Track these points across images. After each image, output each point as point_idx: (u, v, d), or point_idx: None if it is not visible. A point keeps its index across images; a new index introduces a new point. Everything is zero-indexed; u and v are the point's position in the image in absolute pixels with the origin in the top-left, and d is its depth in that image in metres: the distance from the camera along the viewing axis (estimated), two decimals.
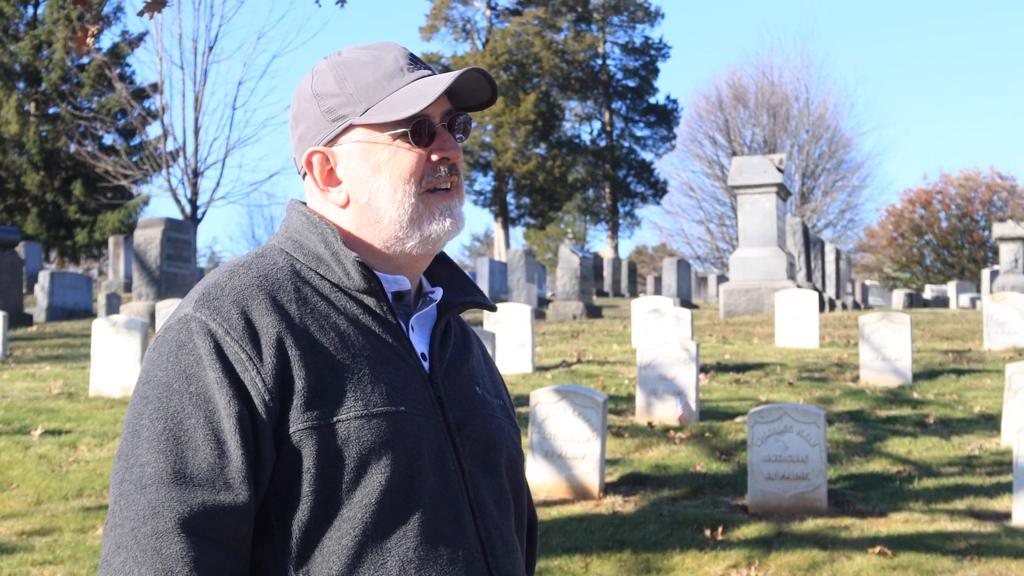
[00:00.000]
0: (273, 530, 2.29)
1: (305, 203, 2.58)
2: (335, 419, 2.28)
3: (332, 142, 2.49)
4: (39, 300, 30.71)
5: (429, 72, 2.50)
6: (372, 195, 2.46)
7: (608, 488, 11.32)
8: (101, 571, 2.23)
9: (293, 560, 2.26)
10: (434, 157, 2.45)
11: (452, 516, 2.36)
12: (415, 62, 2.51)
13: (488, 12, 68.60)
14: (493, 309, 2.70)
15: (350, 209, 2.49)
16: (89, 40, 8.97)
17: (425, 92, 2.41)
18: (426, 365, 2.49)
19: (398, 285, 2.50)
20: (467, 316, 26.65)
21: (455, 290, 2.64)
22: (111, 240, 40.06)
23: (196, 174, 37.81)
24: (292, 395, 2.29)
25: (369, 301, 2.45)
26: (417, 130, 2.43)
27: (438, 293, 2.58)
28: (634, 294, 46.70)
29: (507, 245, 65.33)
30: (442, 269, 2.66)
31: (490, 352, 13.78)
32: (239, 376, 2.28)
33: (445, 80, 2.41)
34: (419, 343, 2.51)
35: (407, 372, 2.42)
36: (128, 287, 35.76)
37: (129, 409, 2.34)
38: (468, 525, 2.38)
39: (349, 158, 2.47)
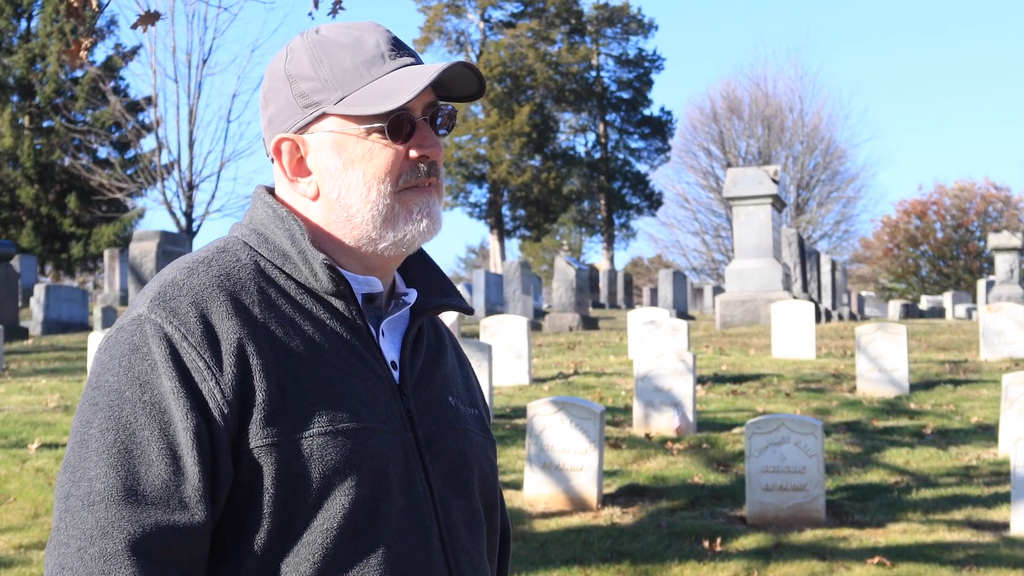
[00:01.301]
0: (227, 552, 2.15)
1: (272, 191, 2.41)
2: (297, 435, 2.13)
3: (303, 129, 2.30)
4: (35, 313, 30.66)
5: (412, 60, 2.31)
6: (343, 191, 2.27)
7: (606, 499, 11.30)
8: None
9: None
10: (413, 154, 2.28)
11: (419, 542, 2.22)
12: (398, 47, 2.31)
13: (482, 24, 68.76)
14: (470, 312, 2.52)
15: (319, 203, 2.31)
16: (83, 53, 8.97)
17: (406, 85, 2.23)
18: (396, 375, 2.32)
19: (369, 287, 2.33)
20: (465, 328, 26.64)
21: (430, 290, 2.45)
22: (106, 253, 40.02)
23: (191, 187, 37.79)
24: (252, 408, 2.13)
25: (337, 304, 2.27)
26: (395, 126, 2.25)
27: (412, 295, 2.40)
28: (630, 306, 46.68)
29: (503, 257, 65.38)
30: (418, 266, 2.48)
31: (486, 364, 13.87)
32: (197, 386, 2.11)
33: (428, 73, 2.23)
34: (389, 350, 2.34)
35: (375, 383, 2.25)
36: (124, 300, 35.73)
37: (77, 414, 2.18)
38: (436, 552, 2.25)
39: (320, 149, 2.29)
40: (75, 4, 8.85)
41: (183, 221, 37.55)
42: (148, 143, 45.15)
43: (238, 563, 2.14)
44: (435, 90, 2.32)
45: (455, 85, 2.32)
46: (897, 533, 10.33)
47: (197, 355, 2.12)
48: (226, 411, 2.12)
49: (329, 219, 2.31)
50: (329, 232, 2.32)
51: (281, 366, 2.16)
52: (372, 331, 2.32)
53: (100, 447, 2.09)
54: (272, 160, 2.37)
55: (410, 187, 2.29)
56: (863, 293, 56.17)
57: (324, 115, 2.28)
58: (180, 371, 2.12)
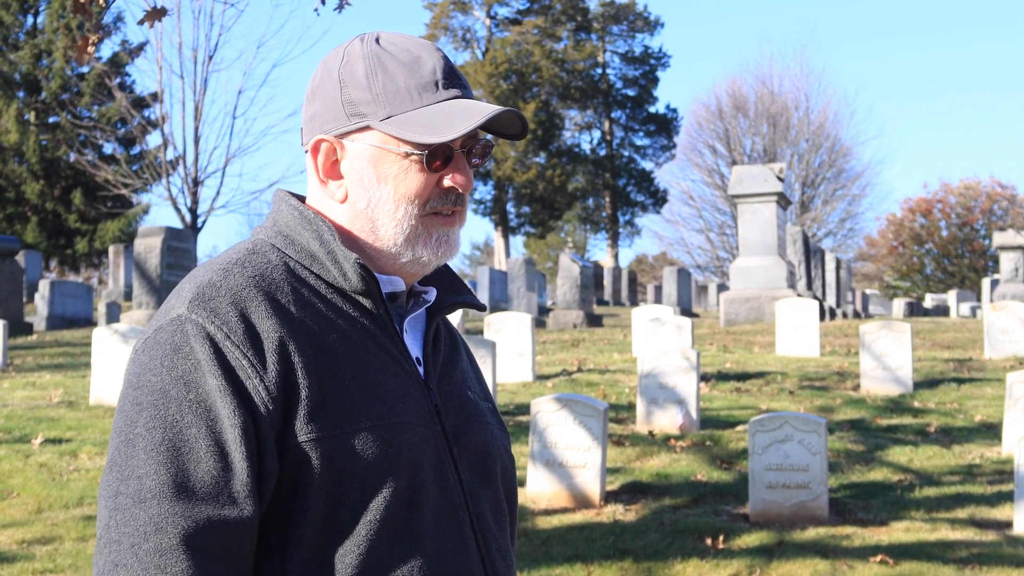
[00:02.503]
0: (272, 546, 2.19)
1: (293, 194, 2.45)
2: (339, 430, 2.17)
3: (344, 135, 2.34)
4: (39, 309, 30.71)
5: (462, 93, 2.35)
6: (372, 203, 2.33)
7: (609, 497, 11.31)
8: None
9: None
10: (446, 183, 2.34)
11: (454, 532, 2.28)
12: (451, 77, 2.35)
13: (488, 21, 68.73)
14: (483, 309, 2.54)
15: (346, 207, 2.37)
16: (89, 49, 8.97)
17: (455, 122, 2.28)
18: (421, 370, 2.39)
19: (392, 286, 2.39)
20: (469, 324, 26.65)
21: (445, 290, 2.53)
22: (111, 249, 40.06)
23: (196, 183, 37.80)
24: (296, 404, 2.16)
25: (366, 302, 2.33)
26: (434, 155, 2.31)
27: (432, 294, 2.48)
28: (634, 303, 46.68)
29: (507, 254, 65.37)
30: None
31: (490, 361, 13.90)
32: (242, 383, 2.14)
33: (478, 115, 2.28)
34: (413, 347, 2.41)
35: (405, 379, 2.31)
36: (128, 296, 35.75)
37: (118, 415, 2.21)
38: (469, 540, 2.30)
39: (358, 158, 2.33)
40: (82, 0, 8.86)
41: (188, 217, 37.56)
42: (154, 139, 45.26)
43: (284, 556, 2.18)
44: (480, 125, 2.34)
45: (499, 123, 2.38)
46: (900, 531, 10.32)
47: (240, 354, 2.16)
48: (271, 408, 2.16)
49: (353, 224, 2.37)
50: (352, 235, 2.37)
51: (320, 363, 2.21)
52: (398, 328, 2.38)
53: (148, 445, 2.12)
54: (307, 153, 2.41)
55: (435, 212, 2.35)
56: (867, 291, 56.15)
57: (368, 128, 2.32)
58: (225, 369, 2.15)
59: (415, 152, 2.29)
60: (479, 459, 2.41)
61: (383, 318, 2.35)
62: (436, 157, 2.31)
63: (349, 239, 2.37)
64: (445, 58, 2.36)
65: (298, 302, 2.26)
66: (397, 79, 2.31)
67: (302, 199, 2.46)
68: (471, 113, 2.29)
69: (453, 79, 2.35)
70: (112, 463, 2.17)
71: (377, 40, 2.36)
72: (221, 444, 2.13)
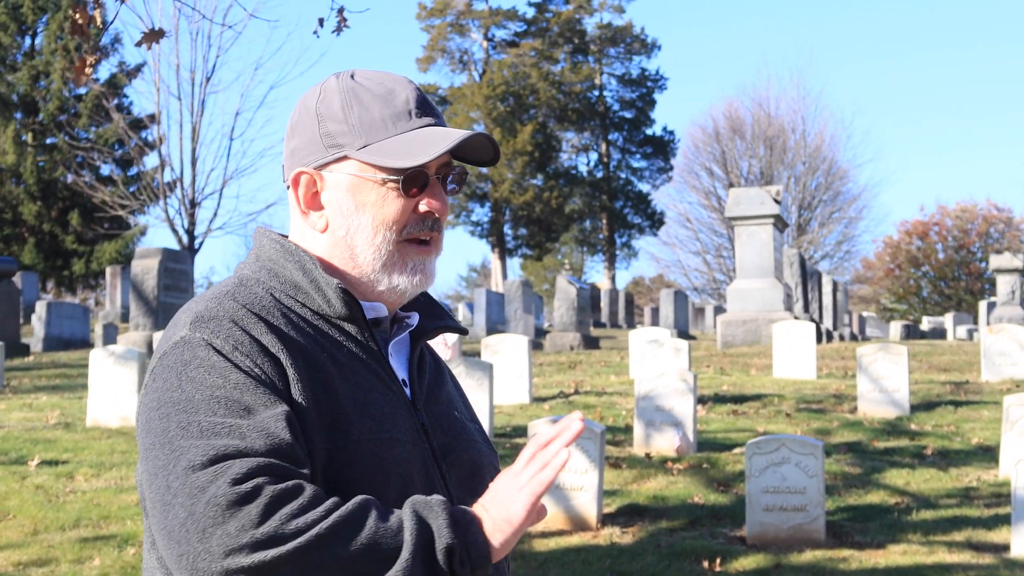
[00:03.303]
0: None
1: (272, 230, 2.53)
2: (333, 444, 2.23)
3: (323, 167, 2.43)
4: (36, 330, 30.70)
5: (436, 121, 2.44)
6: (351, 231, 2.41)
7: (606, 519, 11.30)
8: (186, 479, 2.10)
9: None
10: (422, 208, 2.42)
11: None
12: (424, 107, 2.44)
13: (485, 44, 68.86)
14: (464, 332, 2.66)
15: (326, 237, 2.45)
16: (87, 70, 9.00)
17: (428, 147, 2.36)
18: (407, 391, 2.46)
19: (375, 312, 2.46)
20: (466, 347, 26.65)
21: (426, 315, 2.60)
22: (108, 270, 40.09)
23: (193, 204, 37.84)
24: (296, 416, 2.22)
25: (350, 328, 2.40)
26: (410, 180, 2.39)
27: (414, 319, 2.55)
28: (631, 325, 46.67)
29: (504, 276, 65.35)
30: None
31: (487, 383, 13.91)
32: (263, 382, 2.21)
33: (449, 140, 2.37)
34: (399, 369, 2.48)
35: (393, 399, 2.38)
36: (125, 317, 35.74)
37: (145, 436, 2.22)
38: None
39: (337, 188, 2.42)
40: (80, 22, 8.88)
41: (185, 239, 37.60)
42: (151, 160, 45.29)
43: None
44: (452, 152, 2.45)
45: (471, 150, 2.47)
46: (897, 554, 10.31)
47: (252, 363, 2.23)
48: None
49: (333, 253, 2.45)
50: (335, 265, 2.45)
51: (314, 379, 2.28)
52: (383, 351, 2.45)
53: (186, 437, 2.14)
54: (288, 188, 2.50)
55: (412, 239, 2.43)
56: (864, 314, 56.19)
57: (345, 158, 2.41)
58: (240, 370, 2.21)
59: (391, 179, 2.37)
60: (467, 475, 2.47)
61: (368, 342, 2.41)
62: (412, 183, 2.39)
63: (330, 268, 2.44)
64: (418, 89, 2.46)
65: (289, 325, 2.33)
66: (372, 110, 2.40)
67: (283, 236, 2.52)
68: (443, 138, 2.38)
69: (426, 108, 2.44)
70: (154, 470, 2.17)
71: (352, 76, 2.46)
72: (260, 418, 2.16)
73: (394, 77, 2.47)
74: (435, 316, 2.61)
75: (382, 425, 2.30)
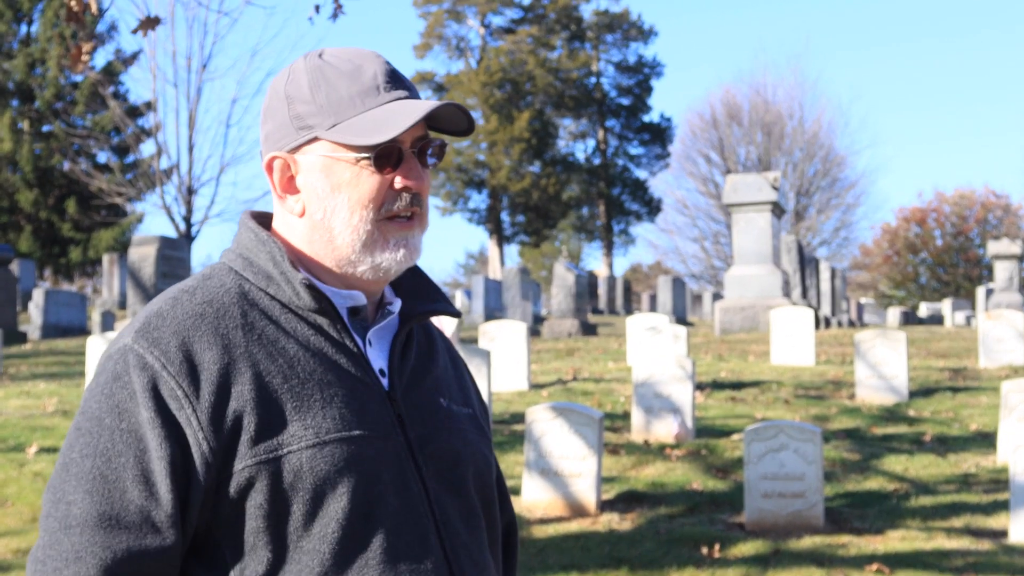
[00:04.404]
0: (228, 565, 2.23)
1: (257, 214, 2.51)
2: (285, 451, 2.20)
3: (296, 149, 2.38)
4: (33, 318, 30.70)
5: (407, 94, 2.39)
6: (328, 213, 2.36)
7: (604, 506, 11.30)
8: None
9: None
10: (397, 184, 2.36)
11: (416, 539, 2.29)
12: (393, 80, 2.39)
13: (482, 30, 68.82)
14: (457, 315, 2.57)
15: (304, 221, 2.40)
16: (83, 58, 8.97)
17: (397, 120, 2.31)
18: (385, 382, 2.40)
19: (353, 300, 2.41)
20: (464, 334, 26.64)
21: (419, 297, 2.55)
22: (105, 258, 40.05)
23: (190, 192, 37.81)
24: (237, 431, 2.20)
25: (321, 320, 2.36)
26: (382, 156, 2.33)
27: (396, 305, 2.49)
28: (629, 312, 46.64)
29: (502, 263, 65.38)
30: (405, 274, 2.56)
31: (485, 370, 13.86)
32: (173, 414, 2.19)
33: (418, 111, 2.31)
34: (377, 358, 2.43)
35: (363, 392, 2.33)
36: (122, 305, 35.76)
37: (66, 437, 2.28)
38: (434, 546, 2.32)
39: (311, 170, 2.37)
40: (75, 9, 8.86)
41: (182, 226, 37.58)
42: (148, 148, 45.23)
43: (241, 573, 2.21)
44: (427, 123, 2.41)
45: (446, 121, 2.41)
46: (896, 540, 10.31)
47: (176, 384, 2.20)
48: (202, 437, 2.19)
49: (312, 237, 2.40)
50: (312, 250, 2.41)
51: (264, 387, 2.24)
52: (359, 342, 2.40)
53: (79, 472, 2.20)
54: (267, 174, 2.45)
55: (392, 216, 2.37)
56: (862, 300, 56.17)
57: (316, 139, 2.36)
58: (156, 401, 2.20)
59: (364, 156, 2.33)
60: (447, 467, 2.41)
61: (340, 334, 2.37)
62: (386, 160, 2.34)
63: (306, 256, 2.41)
64: (387, 63, 2.41)
65: (245, 327, 2.30)
66: (339, 88, 2.35)
67: (269, 218, 2.51)
68: (412, 110, 2.32)
69: (396, 82, 2.39)
70: (50, 484, 2.24)
71: (320, 55, 2.41)
72: (147, 475, 2.18)
73: (362, 53, 2.42)
74: (427, 298, 2.56)
75: (345, 423, 2.26)
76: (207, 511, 2.21)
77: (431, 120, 2.40)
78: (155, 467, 2.17)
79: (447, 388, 2.55)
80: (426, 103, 2.33)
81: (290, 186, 2.41)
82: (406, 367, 2.47)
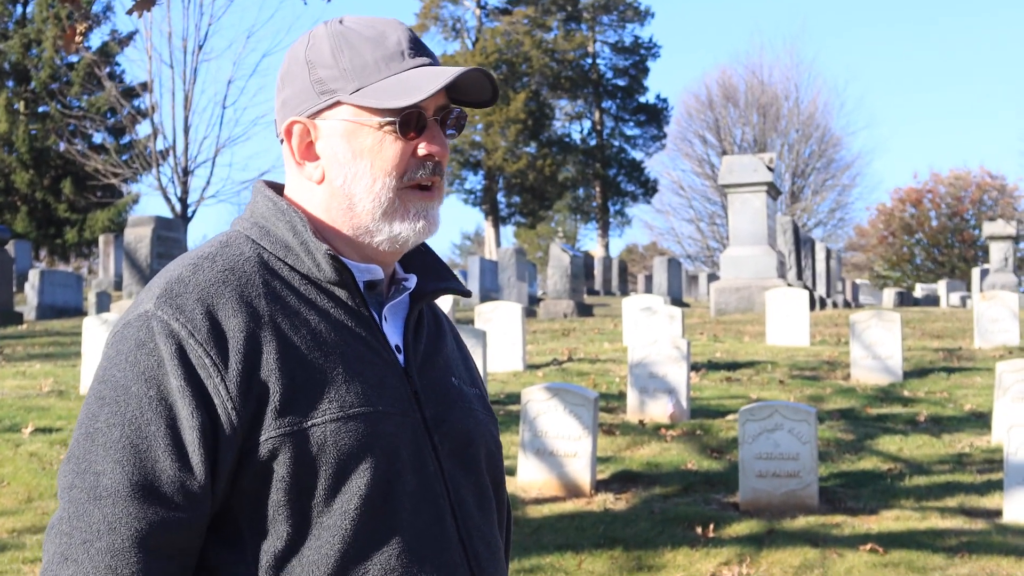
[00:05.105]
0: (245, 541, 2.18)
1: (271, 184, 2.46)
2: (310, 423, 2.16)
3: (316, 115, 2.34)
4: (29, 298, 30.68)
5: (429, 61, 2.35)
6: (349, 179, 2.31)
7: (600, 486, 11.32)
8: None
9: (269, 571, 2.16)
10: (421, 152, 2.32)
11: (433, 519, 2.27)
12: (417, 47, 2.35)
13: (478, 11, 68.70)
14: (468, 295, 2.54)
15: (323, 188, 2.35)
16: (78, 38, 8.95)
17: (422, 85, 2.26)
18: (401, 358, 2.36)
19: (370, 274, 2.37)
20: (460, 314, 26.65)
21: (429, 276, 2.50)
22: (101, 239, 40.01)
23: (186, 173, 37.77)
24: (263, 401, 2.16)
25: (340, 293, 2.31)
26: (407, 122, 2.29)
27: (412, 281, 2.45)
28: (625, 293, 46.66)
29: (498, 244, 65.38)
30: (415, 252, 2.52)
31: (480, 351, 13.89)
32: (203, 383, 2.15)
33: (445, 76, 2.27)
34: (392, 334, 2.39)
35: (382, 368, 2.30)
36: (118, 286, 35.70)
37: (84, 407, 2.21)
38: (450, 528, 2.29)
39: (331, 135, 2.32)
40: None
41: (178, 207, 37.56)
42: (143, 129, 45.20)
43: (257, 548, 2.18)
44: (449, 93, 2.36)
45: (470, 90, 2.36)
46: (890, 520, 10.34)
47: (203, 352, 2.15)
48: (230, 407, 2.15)
49: (331, 205, 2.35)
50: (330, 218, 2.36)
51: (289, 357, 2.20)
52: (375, 317, 2.36)
53: (107, 441, 2.13)
54: (282, 141, 2.41)
55: (413, 186, 2.32)
56: (858, 281, 56.19)
57: (339, 103, 2.31)
58: (186, 368, 2.15)
59: (388, 121, 2.29)
60: (461, 446, 2.39)
61: (359, 308, 2.33)
62: (409, 127, 2.30)
63: (325, 225, 2.36)
64: (410, 31, 2.37)
65: (268, 295, 2.25)
66: (363, 53, 2.31)
67: (282, 187, 2.45)
68: (438, 75, 2.28)
69: (419, 49, 2.35)
70: (71, 455, 2.18)
71: (341, 21, 2.37)
72: (179, 444, 2.14)
73: (384, 20, 2.39)
74: (438, 277, 2.52)
75: (367, 398, 2.23)
76: (228, 483, 2.18)
77: (453, 90, 2.35)
78: (187, 436, 2.13)
79: (456, 367, 2.53)
80: (452, 68, 2.29)
81: (309, 152, 2.36)
82: (419, 345, 2.44)
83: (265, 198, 2.39)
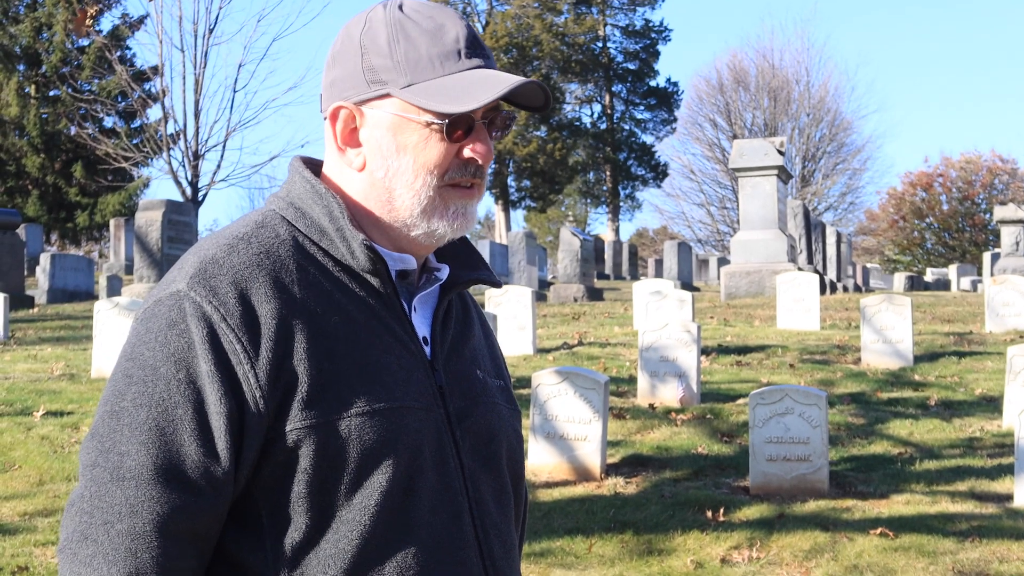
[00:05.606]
0: (264, 531, 2.17)
1: (308, 161, 2.43)
2: (335, 417, 2.14)
3: (364, 102, 2.29)
4: (40, 282, 30.74)
5: (483, 62, 2.30)
6: (390, 173, 2.28)
7: (610, 470, 11.33)
8: (61, 556, 2.12)
9: (286, 563, 2.14)
10: (465, 154, 2.28)
11: (451, 517, 2.25)
12: (474, 46, 2.30)
13: None
14: (498, 285, 2.53)
15: (363, 176, 2.31)
16: (88, 22, 8.97)
17: (477, 92, 2.23)
18: (427, 350, 2.34)
19: (403, 263, 2.34)
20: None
21: (460, 265, 2.48)
22: (112, 222, 40.06)
23: (197, 156, 37.71)
24: (291, 391, 2.14)
25: (373, 281, 2.28)
26: (455, 124, 2.25)
27: (444, 271, 2.42)
28: (635, 277, 46.67)
29: (508, 228, 65.34)
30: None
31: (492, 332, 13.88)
32: (233, 369, 2.12)
33: (499, 86, 2.23)
34: (421, 325, 2.36)
35: (409, 360, 2.27)
36: (129, 269, 35.75)
37: (110, 384, 2.19)
38: (467, 526, 2.28)
39: (377, 126, 2.28)
40: None
41: (188, 191, 37.51)
42: (154, 113, 45.08)
43: (277, 539, 2.16)
44: (500, 96, 2.30)
45: (521, 95, 2.32)
46: (900, 504, 10.34)
47: (235, 337, 2.13)
48: (258, 395, 2.13)
49: (369, 194, 2.32)
50: (367, 207, 2.33)
51: (319, 347, 2.18)
52: (405, 307, 2.34)
53: (132, 422, 2.12)
54: (325, 120, 2.36)
55: (453, 184, 2.30)
56: (868, 265, 56.17)
57: (388, 95, 2.27)
58: (217, 353, 2.13)
59: (436, 121, 2.25)
60: (483, 442, 2.38)
61: (390, 298, 2.31)
62: (457, 127, 2.26)
63: (362, 212, 2.33)
64: (469, 27, 2.32)
65: (302, 281, 2.22)
66: (419, 47, 2.27)
67: (319, 165, 2.43)
68: (493, 83, 2.25)
69: (476, 48, 2.31)
70: (95, 432, 2.17)
71: (400, 7, 2.31)
72: (206, 429, 2.12)
73: (445, 11, 2.33)
74: (470, 266, 2.50)
75: (392, 392, 2.21)
76: (250, 471, 2.16)
77: (506, 93, 2.28)
78: (214, 422, 2.11)
79: (482, 359, 2.51)
80: (508, 78, 2.25)
81: (352, 138, 2.33)
82: (447, 337, 2.42)
83: (303, 179, 2.36)
